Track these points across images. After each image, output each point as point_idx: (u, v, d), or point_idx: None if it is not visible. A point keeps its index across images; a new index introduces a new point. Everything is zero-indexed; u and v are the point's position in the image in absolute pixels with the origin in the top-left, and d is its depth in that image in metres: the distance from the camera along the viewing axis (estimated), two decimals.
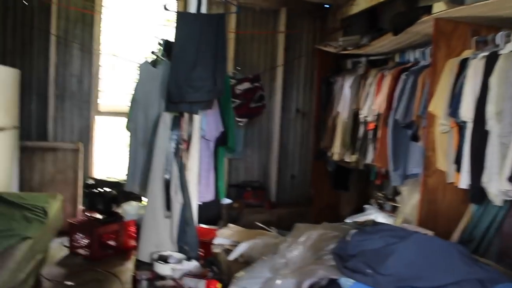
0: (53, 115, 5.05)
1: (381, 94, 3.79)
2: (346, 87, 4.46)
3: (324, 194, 5.36)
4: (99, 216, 4.51)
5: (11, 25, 4.90)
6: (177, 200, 3.21)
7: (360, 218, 3.56)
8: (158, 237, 3.19)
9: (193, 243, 3.26)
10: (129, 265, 4.18)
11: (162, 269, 3.05)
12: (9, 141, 4.52)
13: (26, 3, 4.81)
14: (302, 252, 2.41)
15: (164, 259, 3.10)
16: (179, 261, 3.12)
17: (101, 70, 5.19)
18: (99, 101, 5.23)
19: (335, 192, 5.32)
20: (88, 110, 5.16)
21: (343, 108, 4.47)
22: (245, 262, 2.98)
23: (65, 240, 4.54)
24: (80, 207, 4.98)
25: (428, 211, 3.08)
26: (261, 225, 4.08)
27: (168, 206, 3.19)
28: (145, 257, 3.18)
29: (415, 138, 3.44)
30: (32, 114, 5.04)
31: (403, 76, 3.57)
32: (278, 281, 2.19)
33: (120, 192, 4.48)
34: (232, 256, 3.16)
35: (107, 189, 4.49)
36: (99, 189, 4.54)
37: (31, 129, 5.04)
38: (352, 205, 5.06)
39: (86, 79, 5.12)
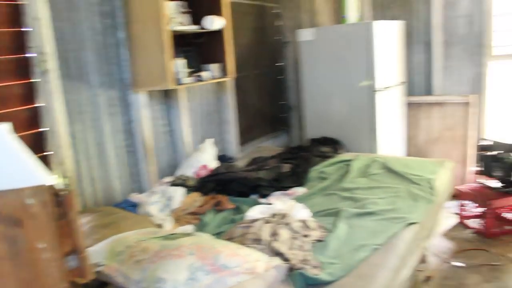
0: (439, 65, 4.50)
1: None
2: None
3: None
4: (495, 184, 3.80)
5: None
6: None
7: None
8: None
9: None
10: None
11: None
12: (396, 98, 4.31)
13: None
14: None
15: None
16: None
17: (494, 7, 4.22)
18: (492, 43, 4.30)
19: None
20: (480, 55, 4.33)
21: None
22: None
23: (453, 205, 4.05)
24: (471, 170, 4.34)
25: None
26: None
27: None
28: None
29: None
30: (416, 66, 4.64)
31: None
32: None
33: None
34: None
35: (507, 153, 3.67)
36: (497, 152, 3.77)
37: (416, 82, 4.67)
38: None
39: (477, 19, 4.27)
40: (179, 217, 2.64)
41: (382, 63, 3.96)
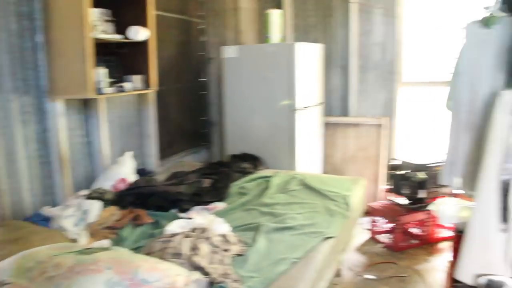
0: (355, 88, 4.76)
1: None
2: None
3: None
4: (403, 201, 4.05)
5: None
6: None
7: None
8: (487, 255, 2.46)
9: None
10: (436, 263, 3.65)
11: None
12: (314, 117, 4.48)
13: None
14: None
15: (495, 286, 2.37)
16: None
17: (405, 37, 4.57)
18: (403, 71, 4.64)
19: None
20: (391, 81, 4.64)
21: None
22: None
23: (365, 222, 4.27)
24: (382, 188, 4.61)
25: None
26: None
27: (505, 216, 2.40)
28: (466, 278, 2.50)
29: None
30: (334, 88, 4.87)
31: None
32: None
33: (429, 178, 3.86)
34: None
35: (414, 173, 3.94)
36: (405, 171, 4.03)
37: (333, 104, 4.89)
38: None
39: (389, 48, 4.59)
40: (96, 232, 2.53)
41: (302, 84, 4.11)
